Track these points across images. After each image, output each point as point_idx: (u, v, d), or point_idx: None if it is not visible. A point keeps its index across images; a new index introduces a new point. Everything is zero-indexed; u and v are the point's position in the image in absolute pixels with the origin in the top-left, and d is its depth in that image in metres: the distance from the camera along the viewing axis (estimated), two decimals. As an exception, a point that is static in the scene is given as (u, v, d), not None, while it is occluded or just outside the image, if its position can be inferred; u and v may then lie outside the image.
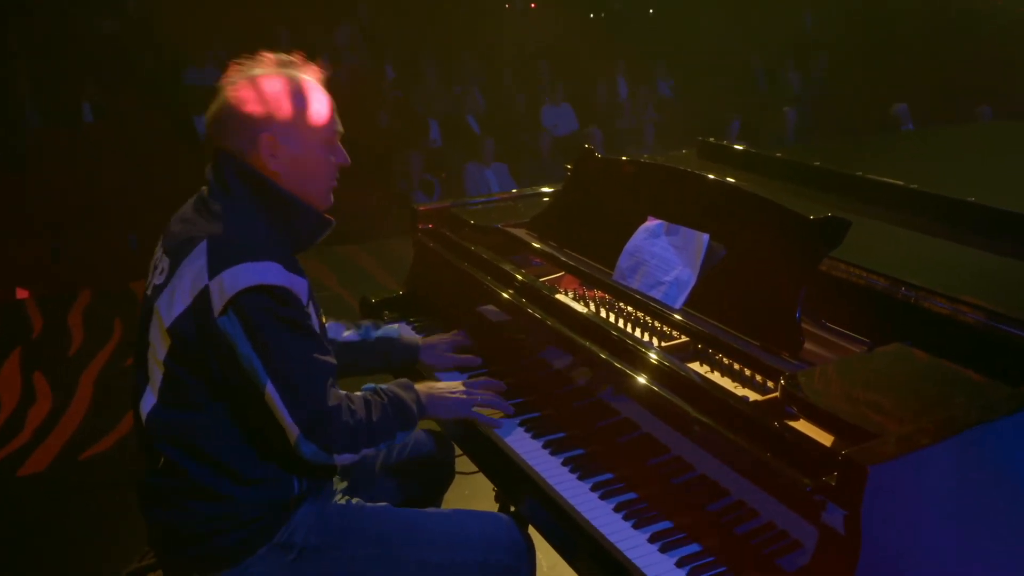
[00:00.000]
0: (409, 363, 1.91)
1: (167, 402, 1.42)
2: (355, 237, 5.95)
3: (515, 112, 7.72)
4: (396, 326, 1.94)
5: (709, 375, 1.55)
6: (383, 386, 1.56)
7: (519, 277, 1.90)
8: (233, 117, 1.44)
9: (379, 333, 1.87)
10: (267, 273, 1.34)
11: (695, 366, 1.59)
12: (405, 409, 1.53)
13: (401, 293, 2.30)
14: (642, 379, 1.50)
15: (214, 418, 1.41)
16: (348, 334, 1.87)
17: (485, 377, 1.83)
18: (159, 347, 1.42)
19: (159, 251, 1.50)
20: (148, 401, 1.44)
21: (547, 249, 2.02)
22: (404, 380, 1.62)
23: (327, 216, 1.51)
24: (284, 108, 1.44)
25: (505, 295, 1.89)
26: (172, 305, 1.39)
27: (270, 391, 1.35)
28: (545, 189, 2.47)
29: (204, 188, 1.49)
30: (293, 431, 1.37)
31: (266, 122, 1.43)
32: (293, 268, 1.40)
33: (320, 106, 1.48)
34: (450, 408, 1.64)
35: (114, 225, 5.56)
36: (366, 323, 1.88)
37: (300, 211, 1.46)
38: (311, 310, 1.46)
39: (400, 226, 4.18)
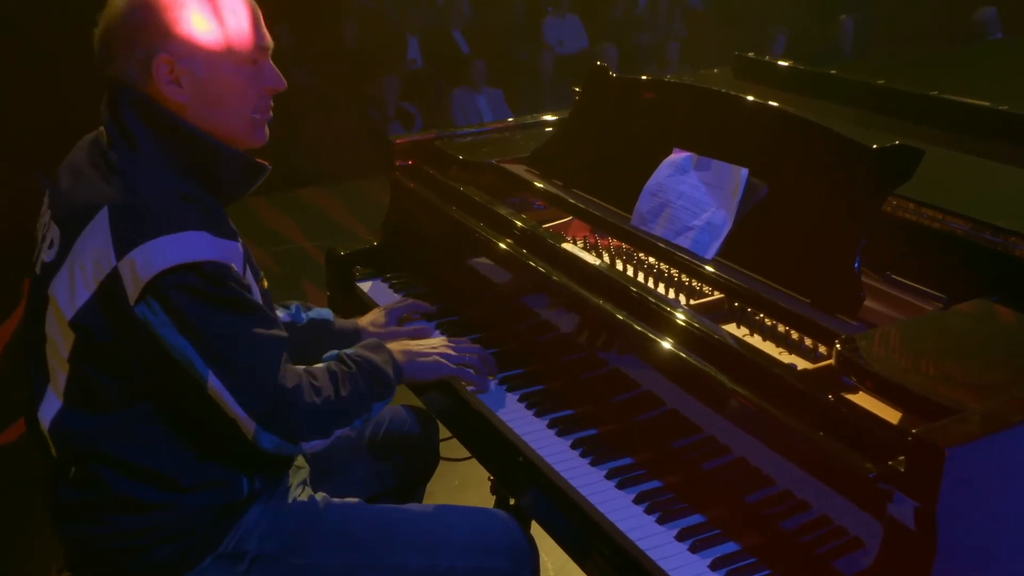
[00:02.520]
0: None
1: (75, 405, 1.39)
2: (319, 178, 5.91)
3: (512, 26, 7.62)
4: (327, 310, 1.89)
5: (748, 339, 1.54)
6: (348, 351, 1.54)
7: (518, 223, 1.89)
8: (119, 35, 1.36)
9: (311, 315, 1.83)
10: (191, 247, 1.30)
11: (731, 328, 1.58)
12: (378, 374, 1.51)
13: (376, 244, 2.28)
14: (666, 344, 1.48)
15: (136, 420, 1.39)
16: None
17: (477, 345, 1.81)
18: (60, 343, 1.38)
19: (46, 215, 1.43)
20: (50, 405, 1.41)
21: (551, 189, 2.01)
22: (373, 340, 1.61)
23: (258, 160, 1.45)
24: (181, 16, 1.36)
25: (501, 245, 1.88)
26: (73, 294, 1.34)
27: (213, 383, 1.33)
28: (548, 117, 2.45)
29: (101, 130, 1.43)
30: (249, 424, 1.35)
31: (160, 38, 1.36)
32: (222, 231, 1.36)
33: (234, 10, 1.40)
34: (432, 367, 1.63)
35: (17, 161, 5.46)
36: (294, 303, 1.85)
37: (221, 155, 1.39)
38: (249, 277, 1.43)
39: (374, 164, 4.12)
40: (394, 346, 1.61)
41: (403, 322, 1.93)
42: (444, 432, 1.89)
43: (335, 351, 1.54)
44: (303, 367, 1.46)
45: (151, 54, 1.36)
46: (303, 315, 1.83)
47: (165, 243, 1.29)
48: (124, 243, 1.30)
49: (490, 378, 1.71)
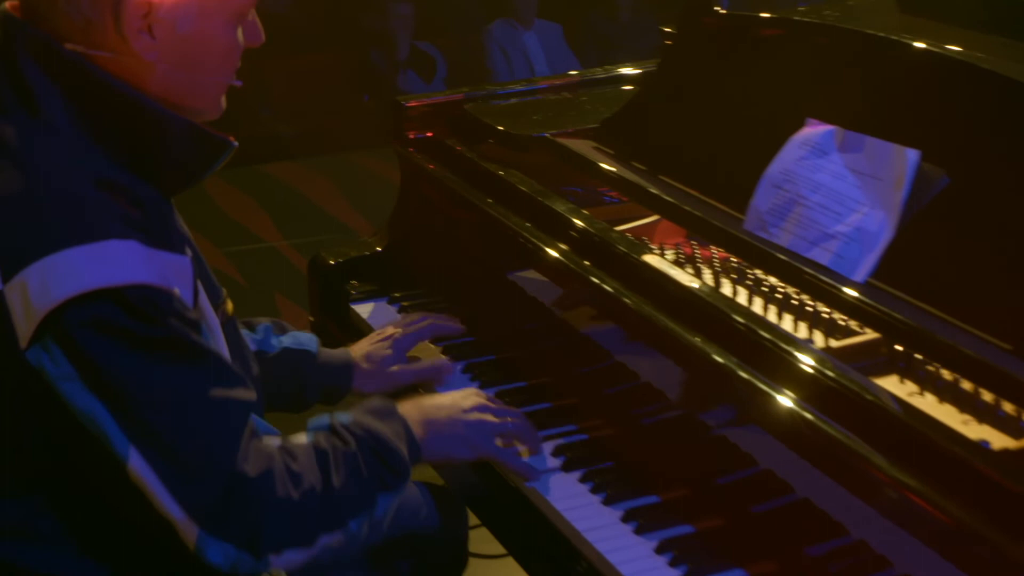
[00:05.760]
0: (335, 393, 1.89)
1: None
2: (300, 148, 5.99)
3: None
4: (309, 334, 1.90)
5: (915, 400, 1.51)
6: (344, 418, 1.54)
7: (580, 224, 1.89)
8: None
9: (285, 341, 1.85)
10: (111, 264, 1.29)
11: (890, 384, 1.54)
12: (388, 454, 1.51)
13: (379, 249, 2.29)
14: (793, 404, 1.46)
15: (29, 514, 1.39)
16: None
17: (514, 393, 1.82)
18: None
19: None
20: None
21: (629, 176, 2.00)
22: (379, 401, 1.61)
23: (219, 134, 1.47)
24: None
25: (555, 254, 1.88)
26: None
27: (136, 465, 1.32)
28: (626, 71, 2.46)
29: None
30: (189, 528, 1.34)
31: None
32: (162, 237, 1.36)
33: None
34: (463, 444, 1.63)
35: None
36: (262, 323, 1.86)
37: (169, 127, 1.41)
38: (202, 303, 1.43)
39: (378, 130, 4.15)
40: (408, 410, 1.60)
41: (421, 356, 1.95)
42: (472, 518, 1.91)
43: (325, 417, 1.54)
44: (279, 442, 1.45)
45: None
46: (274, 341, 1.85)
47: (73, 258, 1.28)
48: (12, 257, 1.30)
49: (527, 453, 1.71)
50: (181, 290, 1.37)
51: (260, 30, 1.51)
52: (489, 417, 1.67)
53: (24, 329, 1.30)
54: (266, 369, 1.77)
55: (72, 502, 1.40)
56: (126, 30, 1.37)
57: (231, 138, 1.48)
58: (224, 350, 1.48)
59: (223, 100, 1.51)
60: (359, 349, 1.92)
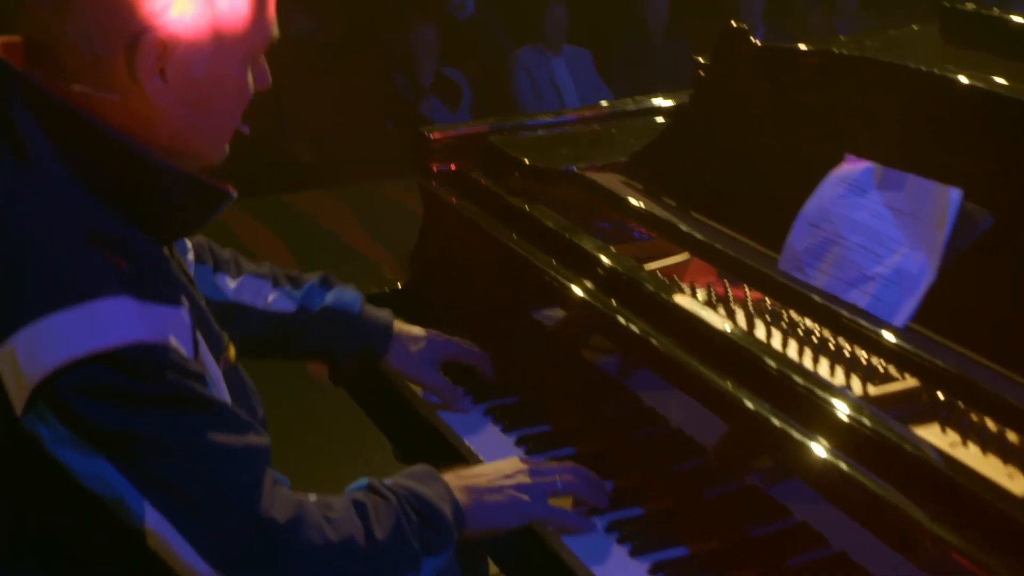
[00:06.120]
0: (369, 356, 1.99)
1: None
2: (321, 177, 6.00)
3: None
4: (354, 292, 2.00)
5: (958, 452, 1.50)
6: (388, 481, 1.54)
7: (608, 261, 1.89)
8: None
9: (329, 301, 1.95)
10: (102, 326, 1.27)
11: (931, 434, 1.54)
12: (433, 515, 1.51)
13: (401, 286, 2.30)
14: (829, 454, 1.46)
15: None
16: (274, 298, 1.93)
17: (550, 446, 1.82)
18: None
19: None
20: None
21: (659, 212, 2.01)
22: (421, 467, 1.61)
23: (223, 185, 1.46)
24: None
25: (582, 293, 1.88)
26: None
27: (152, 521, 1.30)
28: (657, 102, 2.46)
29: None
30: None
31: (158, 7, 1.35)
32: (155, 289, 1.34)
33: None
34: (511, 507, 1.61)
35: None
36: (308, 278, 1.96)
37: (165, 177, 1.39)
38: (203, 354, 1.43)
39: (400, 160, 4.16)
40: (453, 479, 1.60)
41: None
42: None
43: (363, 480, 1.53)
44: (314, 496, 1.44)
45: (137, 28, 1.34)
46: (317, 300, 1.94)
47: (61, 323, 1.26)
48: (1, 322, 1.28)
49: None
50: (179, 342, 1.36)
51: (267, 73, 1.51)
52: (536, 479, 1.65)
53: (17, 398, 1.28)
54: (305, 326, 1.92)
55: (74, 568, 1.38)
56: (139, 71, 1.36)
57: (230, 188, 1.48)
58: (228, 400, 1.47)
59: (227, 146, 1.51)
60: (406, 328, 2.02)
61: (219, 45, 1.41)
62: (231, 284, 1.89)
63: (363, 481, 1.54)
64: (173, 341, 1.34)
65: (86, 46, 1.35)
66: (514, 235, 2.06)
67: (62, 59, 1.37)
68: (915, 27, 2.63)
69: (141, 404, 1.31)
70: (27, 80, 1.36)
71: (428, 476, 1.57)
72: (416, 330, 2.04)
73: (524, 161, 2.19)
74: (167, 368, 1.32)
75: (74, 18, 1.34)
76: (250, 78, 1.48)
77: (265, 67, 1.51)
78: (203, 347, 1.44)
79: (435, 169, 2.27)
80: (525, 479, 1.64)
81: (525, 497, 1.62)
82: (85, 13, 1.34)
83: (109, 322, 1.28)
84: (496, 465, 1.69)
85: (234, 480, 1.36)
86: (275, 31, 1.49)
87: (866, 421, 1.45)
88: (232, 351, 1.58)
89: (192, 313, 1.42)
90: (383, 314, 2.02)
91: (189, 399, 1.34)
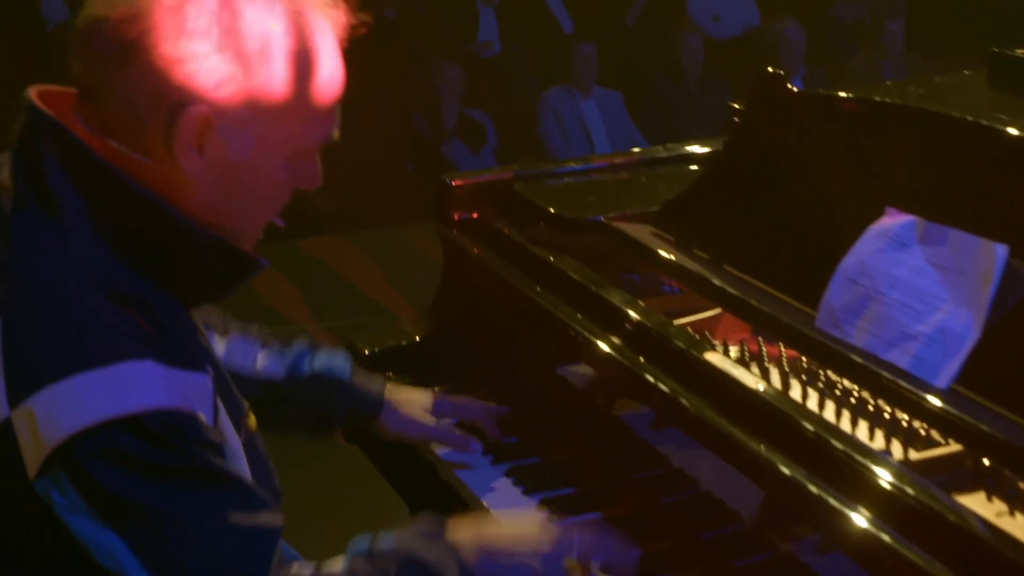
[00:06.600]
0: (362, 421, 1.99)
1: None
2: (337, 222, 6.01)
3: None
4: (343, 357, 1.99)
5: (1005, 521, 1.49)
6: (387, 542, 1.53)
7: (636, 316, 1.89)
8: (147, 39, 1.33)
9: (317, 366, 1.94)
10: (126, 390, 1.28)
11: (976, 503, 1.53)
12: None
13: (418, 339, 2.30)
14: (869, 523, 1.45)
15: None
16: (264, 364, 1.93)
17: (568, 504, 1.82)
18: None
19: None
20: None
21: (690, 265, 2.01)
22: (428, 523, 1.60)
23: (253, 255, 1.48)
24: (263, 63, 1.37)
25: (608, 349, 1.89)
26: None
27: None
28: (693, 148, 2.47)
29: (2, 174, 1.41)
30: None
31: (206, 85, 1.35)
32: (181, 354, 1.36)
33: (326, 91, 1.45)
34: (527, 570, 1.59)
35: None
36: (297, 343, 1.96)
37: (197, 242, 1.41)
38: (223, 423, 1.44)
39: (421, 205, 4.17)
40: (461, 534, 1.59)
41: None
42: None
43: (365, 541, 1.54)
44: (308, 568, 1.45)
45: (183, 99, 1.34)
46: (304, 365, 1.92)
47: (83, 385, 1.27)
48: (19, 381, 1.29)
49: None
50: (202, 412, 1.37)
51: (319, 175, 1.50)
52: (554, 547, 1.62)
53: (32, 460, 1.29)
54: (295, 391, 1.90)
55: None
56: (176, 142, 1.37)
57: (262, 259, 1.49)
58: (246, 471, 1.49)
59: (261, 232, 1.51)
60: (398, 391, 2.01)
61: (265, 134, 1.40)
62: (219, 346, 1.88)
63: (364, 544, 1.53)
64: (195, 409, 1.35)
65: (131, 106, 1.37)
66: (538, 287, 2.06)
67: (106, 114, 1.39)
68: (966, 73, 2.63)
69: (158, 474, 1.31)
70: (63, 131, 1.38)
71: (435, 535, 1.56)
72: (411, 392, 2.04)
73: (549, 210, 2.20)
74: (189, 439, 1.33)
75: (125, 76, 1.36)
76: (297, 173, 1.47)
77: (317, 167, 1.50)
78: (223, 415, 1.45)
79: (456, 217, 2.28)
80: (543, 545, 1.62)
81: (538, 566, 1.61)
82: (138, 74, 1.35)
83: (132, 386, 1.29)
84: (516, 523, 1.68)
85: (241, 563, 1.36)
86: (335, 133, 1.49)
87: (908, 489, 1.44)
88: (252, 419, 1.59)
89: (215, 380, 1.44)
90: (375, 379, 2.02)
91: (207, 473, 1.35)
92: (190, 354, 1.39)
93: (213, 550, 1.34)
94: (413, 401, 2.02)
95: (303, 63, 1.41)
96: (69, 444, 1.27)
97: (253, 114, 1.38)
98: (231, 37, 1.36)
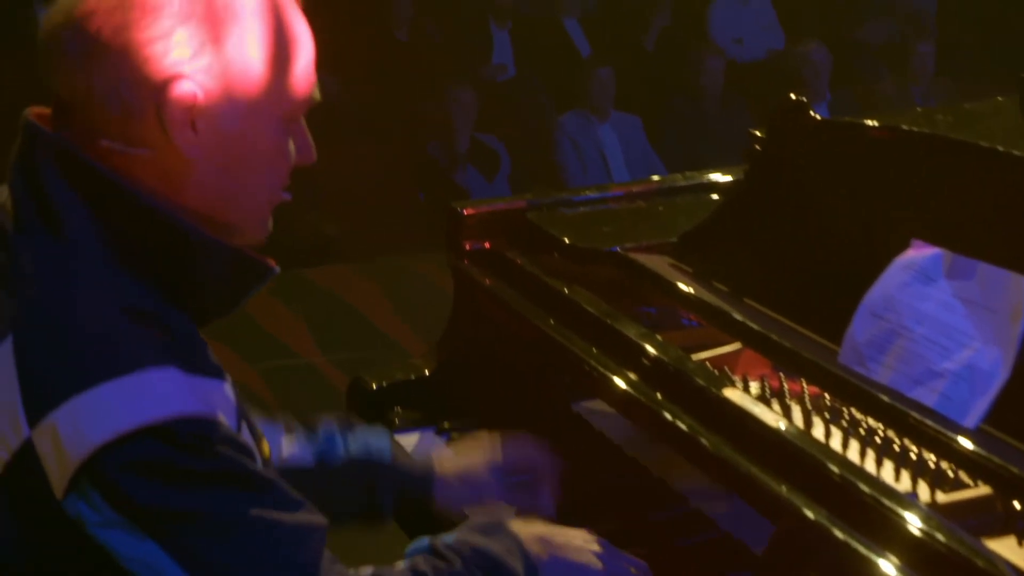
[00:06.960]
0: (411, 503, 1.92)
1: None
2: (344, 251, 6.00)
3: (657, 14, 7.73)
4: (384, 435, 1.93)
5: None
6: (447, 538, 1.56)
7: (653, 350, 1.90)
8: (111, 25, 1.36)
9: (355, 450, 1.88)
10: (150, 397, 1.30)
11: (1007, 547, 1.53)
12: (500, 572, 1.54)
13: (428, 373, 2.30)
14: (895, 569, 1.45)
15: None
16: (292, 451, 1.87)
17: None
18: None
19: None
20: None
21: (709, 298, 2.01)
22: (488, 518, 1.63)
23: (265, 260, 1.49)
24: (230, 30, 1.39)
25: (624, 385, 1.89)
26: None
27: None
28: (713, 177, 2.47)
29: (3, 196, 1.43)
30: None
31: (182, 58, 1.37)
32: (199, 363, 1.39)
33: (300, 40, 1.47)
34: (592, 569, 1.63)
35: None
36: (324, 424, 1.89)
37: (204, 249, 1.42)
38: (245, 436, 1.45)
39: (432, 234, 4.18)
40: (521, 527, 1.62)
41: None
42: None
43: (424, 540, 1.56)
44: (367, 569, 1.47)
45: (165, 77, 1.37)
46: (338, 449, 1.86)
47: (106, 395, 1.28)
48: (38, 399, 1.30)
49: None
50: (226, 418, 1.38)
51: (312, 147, 1.52)
52: (610, 559, 1.65)
53: (58, 478, 1.29)
54: (331, 480, 1.81)
55: None
56: (169, 121, 1.39)
57: (271, 262, 1.50)
58: (275, 475, 1.49)
59: (269, 221, 1.52)
60: (444, 460, 1.94)
61: (252, 97, 1.43)
62: None
63: (424, 541, 1.55)
64: (221, 415, 1.37)
65: (115, 101, 1.39)
66: (552, 320, 2.06)
67: (91, 117, 1.41)
68: (999, 99, 2.62)
69: (192, 481, 1.32)
70: (59, 143, 1.40)
71: (495, 528, 1.58)
72: (459, 455, 1.96)
73: (564, 240, 2.21)
74: (219, 443, 1.35)
75: (101, 72, 1.38)
76: (291, 146, 1.50)
77: (309, 139, 1.52)
78: (246, 431, 1.47)
79: (468, 247, 2.28)
80: (600, 550, 1.65)
81: (601, 566, 1.63)
82: (112, 66, 1.38)
83: (156, 393, 1.31)
84: (565, 530, 1.69)
85: (290, 560, 1.38)
86: (315, 93, 1.51)
87: (935, 533, 1.44)
88: (266, 447, 1.60)
89: (235, 394, 1.45)
90: (420, 460, 1.95)
91: (241, 475, 1.37)
92: (209, 366, 1.41)
93: (260, 549, 1.35)
94: (469, 469, 1.93)
95: (272, 17, 1.43)
96: (97, 456, 1.28)
97: (236, 77, 1.41)
98: (194, 4, 1.38)
